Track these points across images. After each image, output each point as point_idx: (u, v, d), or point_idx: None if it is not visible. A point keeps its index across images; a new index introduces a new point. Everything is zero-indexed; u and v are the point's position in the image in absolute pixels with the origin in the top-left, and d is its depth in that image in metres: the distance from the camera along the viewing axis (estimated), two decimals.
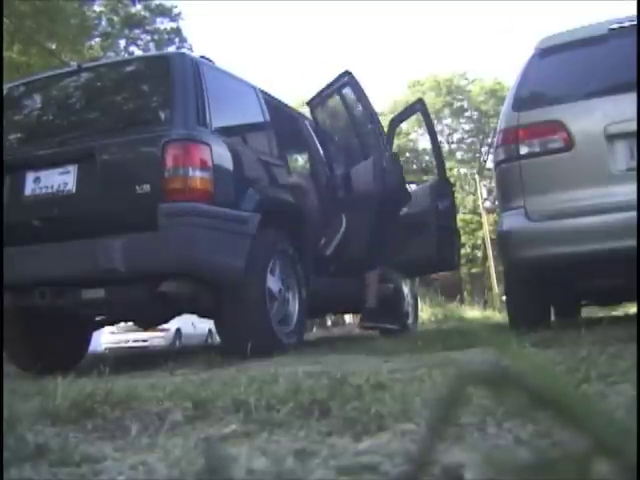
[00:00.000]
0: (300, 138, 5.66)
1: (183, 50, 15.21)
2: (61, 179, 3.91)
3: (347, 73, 5.41)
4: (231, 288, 3.96)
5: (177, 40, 22.36)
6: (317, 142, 5.67)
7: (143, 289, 3.79)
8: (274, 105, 5.16)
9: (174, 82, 3.98)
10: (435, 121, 37.82)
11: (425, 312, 13.09)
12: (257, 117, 4.77)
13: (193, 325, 15.92)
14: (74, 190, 3.86)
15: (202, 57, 4.42)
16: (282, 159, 4.94)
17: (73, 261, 3.71)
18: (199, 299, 3.97)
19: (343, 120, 5.90)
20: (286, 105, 5.86)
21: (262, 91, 4.97)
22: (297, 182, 5.17)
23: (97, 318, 5.05)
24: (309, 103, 6.04)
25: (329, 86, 5.71)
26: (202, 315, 5.30)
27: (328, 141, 5.97)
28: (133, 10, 22.93)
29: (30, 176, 3.98)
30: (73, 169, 3.90)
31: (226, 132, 4.24)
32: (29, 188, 3.97)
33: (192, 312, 5.14)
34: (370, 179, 5.18)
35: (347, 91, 5.59)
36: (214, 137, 3.97)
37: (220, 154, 3.97)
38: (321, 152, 5.69)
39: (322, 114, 6.07)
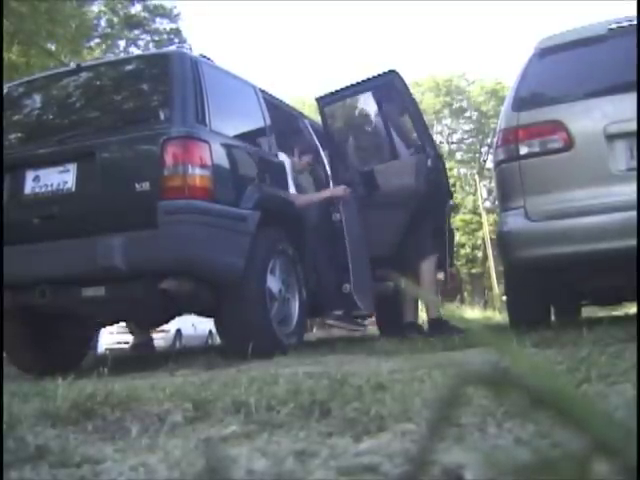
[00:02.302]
0: (300, 137, 5.66)
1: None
2: (61, 178, 3.91)
3: (393, 72, 5.38)
4: (231, 288, 3.96)
5: (177, 41, 22.39)
6: (317, 141, 5.66)
7: (143, 287, 3.79)
8: (273, 104, 5.16)
9: (173, 80, 3.98)
10: (434, 122, 37.88)
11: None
12: (256, 115, 4.77)
13: (193, 326, 15.91)
14: (74, 188, 3.87)
15: (201, 56, 4.42)
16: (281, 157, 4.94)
17: (73, 259, 3.72)
18: (199, 298, 3.97)
19: (370, 119, 5.83)
20: (285, 104, 5.85)
21: (261, 90, 4.97)
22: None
23: (97, 319, 5.04)
24: (319, 100, 5.95)
25: (357, 85, 5.66)
26: (202, 315, 5.29)
27: (338, 140, 5.93)
28: (133, 11, 22.96)
29: (30, 175, 3.98)
30: (72, 167, 3.90)
31: (225, 130, 4.24)
32: (29, 187, 3.98)
33: (192, 312, 5.13)
34: (411, 177, 5.15)
35: (385, 91, 5.54)
36: (213, 135, 3.98)
37: (219, 152, 3.97)
38: (321, 151, 5.67)
39: (339, 112, 6.02)
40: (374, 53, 68.67)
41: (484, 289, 35.63)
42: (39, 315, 4.28)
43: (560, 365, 1.80)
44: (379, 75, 5.50)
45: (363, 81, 5.62)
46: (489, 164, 34.44)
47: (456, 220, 32.40)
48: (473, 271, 36.41)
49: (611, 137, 3.58)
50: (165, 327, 11.95)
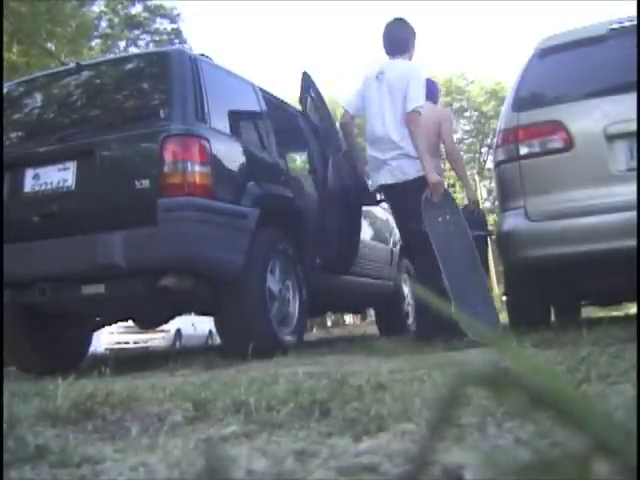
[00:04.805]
0: (299, 135, 5.65)
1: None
2: (60, 175, 3.92)
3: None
4: (231, 288, 3.96)
5: (177, 41, 22.42)
6: (316, 140, 5.64)
7: (143, 284, 3.79)
8: (272, 102, 5.16)
9: (173, 78, 3.99)
10: None
11: None
12: (255, 113, 4.78)
13: (193, 326, 15.92)
14: (73, 186, 3.87)
15: (201, 55, 4.43)
16: (280, 155, 4.94)
17: (73, 257, 3.72)
18: (199, 295, 3.97)
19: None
20: (284, 102, 5.85)
21: (260, 88, 4.98)
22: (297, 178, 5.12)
23: (97, 318, 5.04)
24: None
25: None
26: (202, 314, 5.28)
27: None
28: (133, 11, 22.98)
29: (29, 173, 3.99)
30: (72, 165, 3.91)
31: (225, 127, 4.24)
32: (28, 185, 3.98)
33: (192, 311, 5.12)
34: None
35: None
36: (213, 132, 3.98)
37: (219, 149, 3.98)
38: (320, 150, 5.65)
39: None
40: (373, 53, 68.59)
41: None
42: (39, 315, 4.28)
43: (560, 365, 1.80)
44: None
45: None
46: (489, 164, 34.44)
47: None
48: None
49: (611, 137, 3.58)
50: (165, 327, 11.95)
